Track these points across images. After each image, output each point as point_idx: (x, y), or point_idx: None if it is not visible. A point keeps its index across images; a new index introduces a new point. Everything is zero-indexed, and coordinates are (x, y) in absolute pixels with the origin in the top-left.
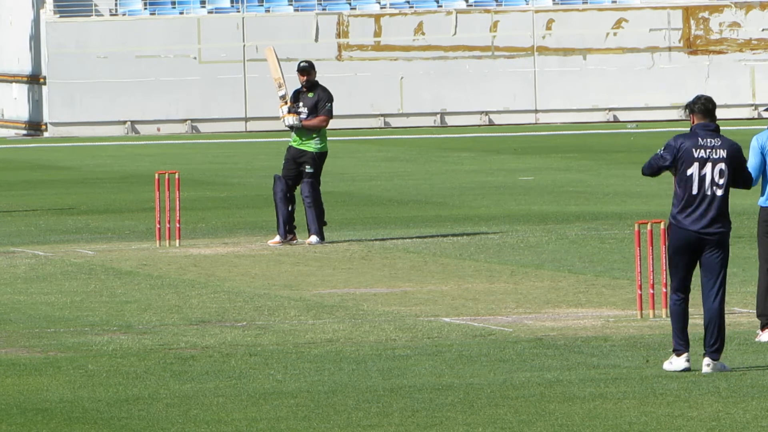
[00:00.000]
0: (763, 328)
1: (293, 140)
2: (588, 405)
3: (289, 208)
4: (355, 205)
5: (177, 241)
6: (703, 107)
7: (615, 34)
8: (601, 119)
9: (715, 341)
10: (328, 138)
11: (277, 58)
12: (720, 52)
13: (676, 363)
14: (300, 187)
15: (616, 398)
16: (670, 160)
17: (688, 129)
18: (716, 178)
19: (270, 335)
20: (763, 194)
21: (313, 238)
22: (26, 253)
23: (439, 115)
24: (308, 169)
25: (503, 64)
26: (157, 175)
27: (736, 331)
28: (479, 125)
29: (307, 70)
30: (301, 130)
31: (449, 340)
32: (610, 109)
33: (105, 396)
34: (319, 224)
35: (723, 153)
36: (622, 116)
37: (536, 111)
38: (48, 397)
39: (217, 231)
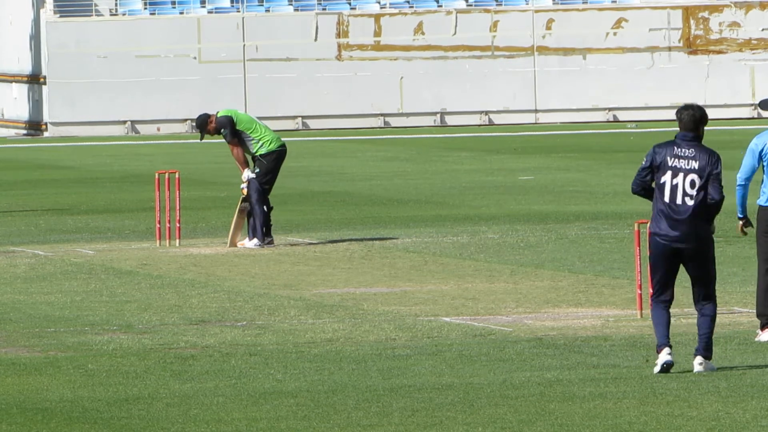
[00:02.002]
0: (762, 328)
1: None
2: (588, 405)
3: (265, 209)
4: (355, 205)
5: (177, 240)
6: (686, 117)
7: (615, 33)
8: (601, 119)
9: (707, 342)
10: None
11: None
12: (720, 52)
13: (659, 358)
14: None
15: (616, 398)
16: (648, 164)
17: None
18: (688, 189)
19: (270, 335)
20: (762, 194)
21: (248, 242)
22: (26, 253)
23: (439, 115)
24: (255, 170)
25: (503, 64)
26: (157, 175)
27: (736, 331)
28: (479, 125)
29: (200, 126)
30: (246, 158)
31: (449, 339)
32: (610, 109)
33: (105, 396)
34: (260, 228)
35: (695, 164)
36: (622, 116)
37: (536, 111)
38: (48, 396)
39: (217, 231)
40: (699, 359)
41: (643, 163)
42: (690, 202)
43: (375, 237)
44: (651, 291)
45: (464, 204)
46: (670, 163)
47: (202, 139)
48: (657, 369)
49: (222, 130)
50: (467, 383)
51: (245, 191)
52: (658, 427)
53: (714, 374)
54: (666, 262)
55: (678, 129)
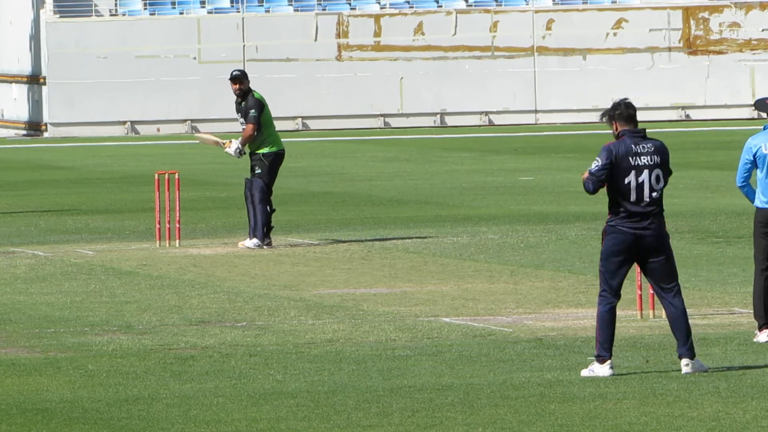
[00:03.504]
0: (761, 329)
1: (249, 149)
2: (588, 405)
3: (269, 209)
4: (355, 205)
5: (177, 241)
6: (625, 113)
7: (615, 34)
8: None
9: (687, 339)
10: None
11: (204, 135)
12: (720, 52)
13: (598, 370)
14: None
15: (616, 398)
16: (606, 163)
17: (615, 137)
18: (654, 184)
19: (270, 335)
20: (762, 196)
21: (248, 241)
22: (26, 253)
23: (439, 115)
24: (257, 170)
25: (503, 64)
26: (157, 175)
27: (735, 331)
28: (479, 125)
29: (239, 78)
30: (249, 142)
31: (449, 340)
32: None
33: (105, 396)
34: (261, 228)
35: (657, 158)
36: None
37: (536, 111)
38: (48, 397)
39: (217, 231)
40: (685, 360)
41: (599, 162)
42: (655, 195)
43: (375, 237)
44: (601, 287)
45: (464, 204)
46: (632, 162)
47: (232, 78)
48: (591, 374)
49: (252, 111)
50: (467, 384)
51: (229, 143)
52: (658, 428)
53: (714, 374)
54: (626, 257)
55: (614, 130)
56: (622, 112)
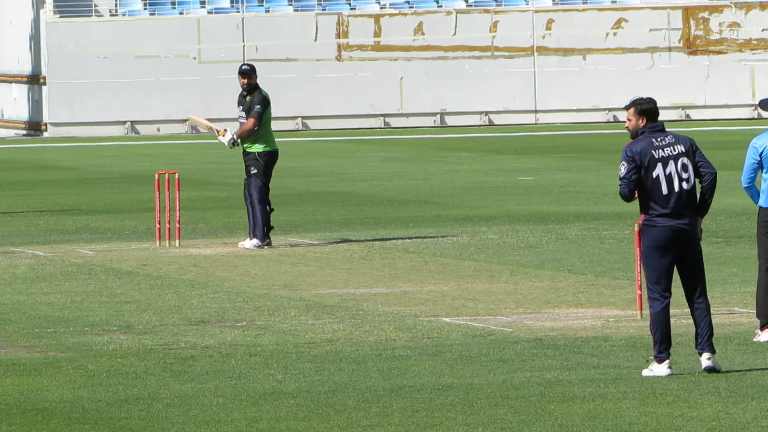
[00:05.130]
0: (762, 328)
1: (243, 145)
2: (588, 405)
3: (268, 209)
4: (355, 205)
5: (177, 241)
6: (654, 108)
7: (615, 34)
8: (601, 119)
9: (710, 335)
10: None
11: (198, 119)
12: (720, 52)
13: (657, 370)
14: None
15: (616, 398)
16: (631, 166)
17: (632, 135)
18: (682, 174)
19: (270, 335)
20: (762, 195)
21: (248, 242)
22: (26, 253)
23: (439, 115)
24: (252, 170)
25: (503, 64)
26: (157, 175)
27: (736, 331)
28: (479, 125)
29: (248, 72)
30: (244, 137)
31: (449, 340)
32: (610, 109)
33: (105, 396)
34: (261, 228)
35: (681, 147)
36: (622, 116)
37: (536, 111)
38: (48, 397)
39: (217, 231)
40: (707, 354)
41: (627, 165)
42: (686, 186)
43: (375, 237)
44: (649, 288)
45: (464, 204)
46: (656, 155)
47: (241, 72)
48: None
49: (257, 106)
50: (467, 384)
51: (224, 132)
52: (658, 428)
53: (714, 374)
54: (667, 253)
55: (636, 125)
56: (646, 109)
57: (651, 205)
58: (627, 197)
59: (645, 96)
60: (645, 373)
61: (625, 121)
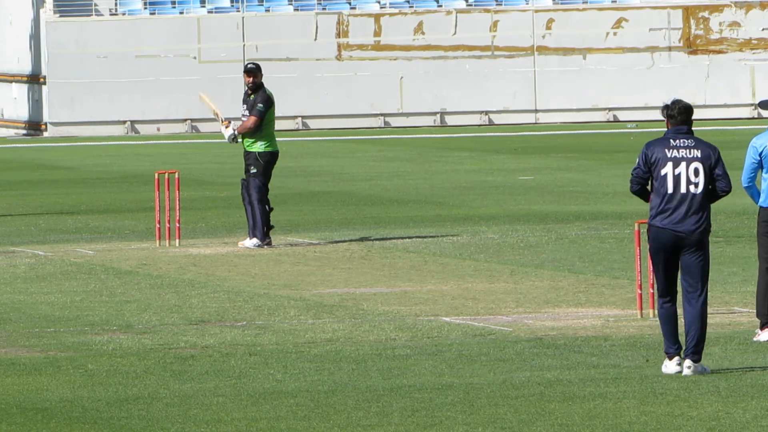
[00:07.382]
0: (762, 328)
1: (244, 144)
2: (588, 405)
3: (267, 208)
4: (355, 205)
5: (177, 240)
6: (681, 111)
7: (615, 33)
8: (601, 119)
9: (697, 343)
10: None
11: (209, 100)
12: (720, 52)
13: (666, 365)
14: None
15: (616, 398)
16: (643, 162)
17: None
18: (692, 177)
19: (270, 335)
20: (762, 194)
21: (248, 241)
22: (26, 253)
23: (439, 115)
24: (252, 170)
25: (503, 64)
26: (157, 175)
27: (736, 331)
28: (479, 125)
29: (253, 71)
30: (245, 135)
31: (449, 339)
32: (610, 109)
33: (105, 396)
34: (261, 227)
35: (698, 153)
36: (622, 116)
37: (536, 111)
38: (48, 396)
39: (217, 231)
40: (687, 362)
41: (638, 161)
42: (694, 190)
43: (375, 237)
44: (651, 287)
45: (464, 204)
46: (669, 155)
47: (246, 71)
48: (667, 371)
49: (260, 105)
50: (467, 383)
51: (228, 123)
52: (658, 427)
53: (714, 374)
54: (668, 255)
55: (665, 127)
56: (673, 112)
57: (654, 203)
58: (636, 192)
59: (681, 101)
60: (663, 368)
61: (625, 121)
